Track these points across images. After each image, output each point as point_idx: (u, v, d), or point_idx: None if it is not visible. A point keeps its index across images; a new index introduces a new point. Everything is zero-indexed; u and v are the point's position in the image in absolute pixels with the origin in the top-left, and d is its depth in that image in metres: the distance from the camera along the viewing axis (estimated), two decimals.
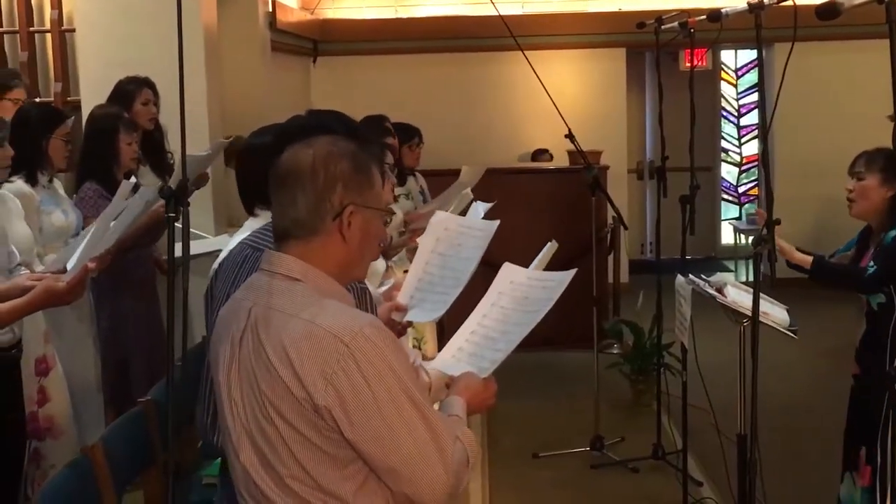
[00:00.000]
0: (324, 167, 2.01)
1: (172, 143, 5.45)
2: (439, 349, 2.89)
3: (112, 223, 2.76)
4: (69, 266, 2.66)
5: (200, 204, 5.16)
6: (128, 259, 4.29)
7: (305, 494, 1.96)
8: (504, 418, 6.12)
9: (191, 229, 4.98)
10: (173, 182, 1.97)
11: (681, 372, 4.88)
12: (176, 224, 2.26)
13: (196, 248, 5.20)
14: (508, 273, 2.62)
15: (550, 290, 2.49)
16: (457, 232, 2.88)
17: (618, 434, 5.80)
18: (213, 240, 5.41)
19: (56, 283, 2.63)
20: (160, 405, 3.48)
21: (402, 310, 2.69)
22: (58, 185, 4.25)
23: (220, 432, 2.20)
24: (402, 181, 5.48)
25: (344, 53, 10.13)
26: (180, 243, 2.19)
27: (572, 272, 2.51)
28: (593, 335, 5.78)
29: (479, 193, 4.71)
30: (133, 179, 2.98)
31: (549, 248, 2.98)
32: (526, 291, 2.54)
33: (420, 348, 4.37)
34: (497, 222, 2.87)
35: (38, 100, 6.19)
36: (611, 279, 8.19)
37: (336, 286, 2.06)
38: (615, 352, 7.11)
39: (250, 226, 2.66)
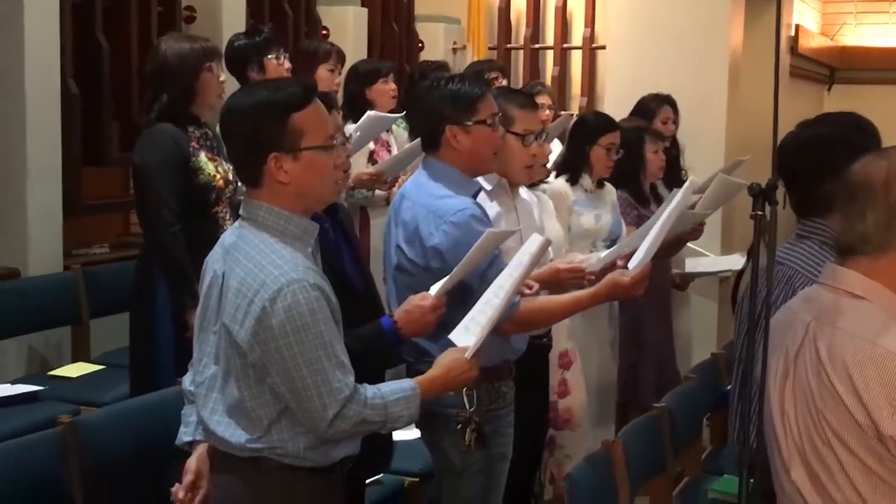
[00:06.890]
0: None
1: (688, 160, 5.54)
2: None
3: (660, 224, 2.85)
4: (632, 263, 2.77)
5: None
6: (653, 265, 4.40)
7: None
8: None
9: (696, 247, 5.05)
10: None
11: None
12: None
13: (706, 265, 5.23)
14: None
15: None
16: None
17: None
18: (723, 259, 5.38)
19: (621, 277, 2.75)
20: (673, 413, 3.55)
21: None
22: (606, 190, 4.37)
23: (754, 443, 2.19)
24: None
25: (861, 82, 9.62)
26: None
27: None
28: None
29: None
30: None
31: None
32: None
33: None
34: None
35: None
36: None
37: None
38: None
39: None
